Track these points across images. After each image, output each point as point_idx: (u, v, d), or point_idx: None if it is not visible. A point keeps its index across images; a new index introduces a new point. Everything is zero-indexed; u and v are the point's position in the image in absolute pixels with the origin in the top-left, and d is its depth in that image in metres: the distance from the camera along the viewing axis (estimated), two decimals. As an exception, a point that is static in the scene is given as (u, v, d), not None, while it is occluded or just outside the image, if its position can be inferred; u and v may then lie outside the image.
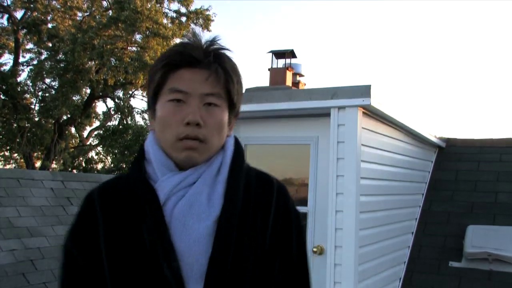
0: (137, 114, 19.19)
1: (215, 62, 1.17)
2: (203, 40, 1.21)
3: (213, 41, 1.21)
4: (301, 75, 11.80)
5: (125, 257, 1.12)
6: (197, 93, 1.15)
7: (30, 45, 18.09)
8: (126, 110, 18.60)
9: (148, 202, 1.13)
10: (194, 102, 1.15)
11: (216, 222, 1.12)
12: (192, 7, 18.18)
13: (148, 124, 1.26)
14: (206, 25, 18.08)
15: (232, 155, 1.22)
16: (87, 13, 17.59)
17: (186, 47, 1.18)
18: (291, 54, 11.42)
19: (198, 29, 1.60)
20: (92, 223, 1.17)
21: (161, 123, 1.17)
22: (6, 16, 17.18)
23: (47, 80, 17.32)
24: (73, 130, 19.59)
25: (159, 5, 17.96)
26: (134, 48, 16.89)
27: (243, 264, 1.13)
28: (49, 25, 17.09)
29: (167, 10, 18.69)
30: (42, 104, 17.16)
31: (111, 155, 19.10)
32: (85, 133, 20.19)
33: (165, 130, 1.16)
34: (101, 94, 18.04)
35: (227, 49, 1.23)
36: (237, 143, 1.28)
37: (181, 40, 1.23)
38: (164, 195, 1.14)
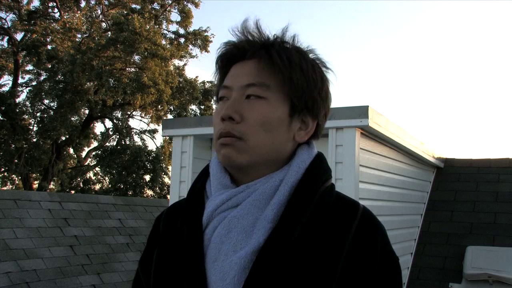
0: (135, 134, 19.20)
1: (261, 50, 1.00)
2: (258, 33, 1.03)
3: (270, 38, 1.03)
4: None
5: (162, 283, 1.02)
6: (236, 86, 0.99)
7: (29, 67, 18.21)
8: (124, 131, 18.59)
9: (189, 224, 1.00)
10: (233, 96, 0.99)
11: (256, 253, 0.91)
12: (191, 28, 18.38)
13: None
14: (204, 46, 18.23)
15: (304, 172, 0.98)
16: (86, 35, 17.71)
17: (234, 41, 1.04)
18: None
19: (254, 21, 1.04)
20: (154, 244, 1.10)
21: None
22: (6, 38, 17.32)
23: (46, 101, 17.37)
24: (71, 150, 19.57)
25: (157, 26, 18.12)
26: (132, 69, 16.96)
27: None
28: (49, 47, 17.20)
29: (165, 31, 18.89)
30: (40, 125, 17.17)
31: (109, 175, 19.01)
32: (83, 154, 20.18)
33: (214, 132, 1.02)
34: (99, 114, 18.05)
35: (285, 42, 1.03)
36: (318, 159, 1.03)
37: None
38: (206, 216, 0.98)
